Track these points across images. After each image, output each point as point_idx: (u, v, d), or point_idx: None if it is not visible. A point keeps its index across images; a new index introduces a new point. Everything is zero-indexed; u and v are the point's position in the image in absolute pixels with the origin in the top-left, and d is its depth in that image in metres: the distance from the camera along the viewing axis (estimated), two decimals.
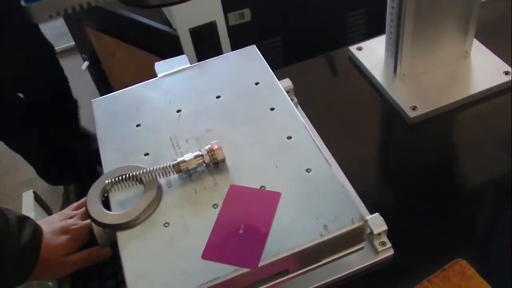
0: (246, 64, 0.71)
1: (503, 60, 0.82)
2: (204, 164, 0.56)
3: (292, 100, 0.77)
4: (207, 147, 0.56)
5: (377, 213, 0.59)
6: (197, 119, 0.63)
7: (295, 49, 1.28)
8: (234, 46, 1.21)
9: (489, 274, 0.57)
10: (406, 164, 0.74)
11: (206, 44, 1.18)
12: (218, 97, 0.66)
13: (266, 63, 0.69)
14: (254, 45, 0.73)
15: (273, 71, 0.68)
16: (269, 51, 1.25)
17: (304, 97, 0.79)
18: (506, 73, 0.81)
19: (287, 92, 0.76)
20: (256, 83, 0.67)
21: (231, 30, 1.20)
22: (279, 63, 1.28)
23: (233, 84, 0.67)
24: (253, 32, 1.22)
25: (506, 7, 0.90)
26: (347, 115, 0.80)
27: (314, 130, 0.74)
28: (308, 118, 0.77)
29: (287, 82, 0.78)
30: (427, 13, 0.74)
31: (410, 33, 0.76)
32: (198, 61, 0.71)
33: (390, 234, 0.59)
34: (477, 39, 0.85)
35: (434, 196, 0.68)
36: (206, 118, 0.63)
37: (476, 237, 0.64)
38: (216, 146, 0.56)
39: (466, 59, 0.84)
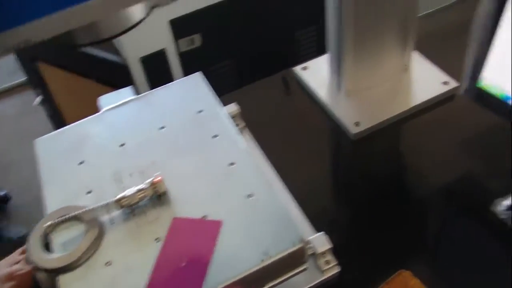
0: (190, 92, 0.71)
1: (442, 71, 0.84)
2: (147, 198, 0.56)
3: (238, 124, 0.78)
4: (148, 181, 0.56)
5: (322, 232, 0.60)
6: (141, 152, 0.63)
7: (248, 71, 1.29)
8: (187, 72, 1.21)
9: (434, 283, 0.58)
10: (351, 180, 0.75)
11: (157, 72, 1.18)
12: (162, 128, 0.67)
13: (210, 90, 0.69)
14: (199, 72, 0.73)
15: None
16: (222, 74, 1.26)
17: (252, 120, 0.80)
18: (445, 83, 0.83)
19: (234, 116, 0.77)
20: (200, 111, 0.68)
21: (182, 56, 1.21)
22: (233, 86, 1.29)
23: (177, 113, 0.68)
24: (205, 57, 1.23)
25: (444, 19, 0.93)
26: (294, 136, 0.81)
27: (262, 153, 0.75)
28: (257, 141, 0.78)
29: (234, 106, 0.79)
30: (366, 30, 0.76)
31: (350, 50, 0.77)
32: (151, 89, 0.72)
33: (337, 251, 0.60)
34: (417, 51, 0.87)
35: (380, 209, 0.69)
36: (150, 150, 0.63)
37: (422, 247, 0.66)
38: (157, 179, 0.56)
39: (407, 72, 0.86)
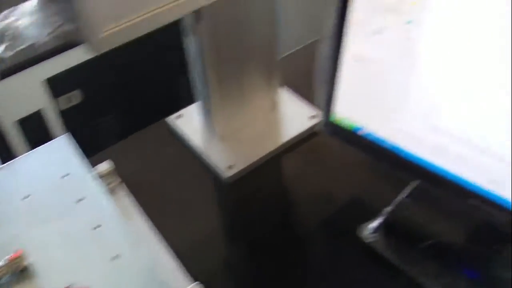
0: (56, 157, 0.70)
1: (311, 105, 0.88)
2: (8, 275, 0.54)
3: (112, 182, 0.77)
4: (7, 257, 0.55)
5: (196, 282, 0.60)
6: (1, 226, 0.61)
7: (130, 124, 1.28)
8: (69, 130, 1.19)
9: None
10: (228, 223, 0.76)
11: (36, 134, 1.15)
12: (26, 197, 0.65)
13: (76, 151, 0.69)
14: (66, 134, 0.72)
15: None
16: (104, 129, 1.25)
17: (130, 174, 0.79)
18: (313, 117, 0.87)
19: (107, 175, 0.76)
20: (65, 175, 0.67)
21: (63, 114, 1.18)
22: (116, 139, 1.27)
23: (41, 180, 0.66)
24: (86, 113, 1.21)
25: (309, 56, 0.97)
26: (171, 187, 0.82)
27: (139, 209, 0.75)
28: (135, 196, 0.77)
29: (106, 165, 0.78)
30: (229, 74, 0.78)
31: (216, 96, 0.79)
32: None
33: None
34: (286, 88, 0.91)
35: (261, 250, 0.71)
36: (12, 223, 0.61)
37: (297, 279, 0.68)
38: (16, 254, 0.54)
39: (276, 110, 0.89)
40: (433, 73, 0.55)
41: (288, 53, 1.02)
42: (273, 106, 0.89)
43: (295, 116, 0.87)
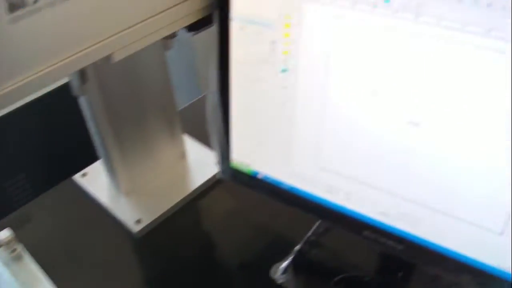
0: None
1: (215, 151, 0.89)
2: None
3: (13, 251, 0.75)
4: None
5: None
6: None
7: (40, 184, 1.25)
8: None
9: None
10: (142, 279, 0.75)
11: None
12: None
13: None
14: None
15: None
16: (14, 191, 1.21)
17: (32, 241, 0.77)
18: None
19: (7, 243, 0.73)
20: None
21: None
22: (29, 199, 1.24)
23: None
24: None
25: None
26: (79, 250, 0.80)
27: (43, 274, 0.73)
28: (41, 262, 0.75)
29: (6, 232, 0.76)
30: (127, 130, 0.78)
31: (117, 153, 0.79)
32: None
33: None
34: (192, 137, 0.92)
35: None
36: None
37: None
38: None
39: (183, 159, 0.90)
40: (311, 118, 0.57)
41: (190, 102, 1.04)
42: (181, 156, 0.89)
43: (202, 164, 0.88)
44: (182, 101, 0.94)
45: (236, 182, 0.71)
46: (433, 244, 0.57)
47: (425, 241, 0.57)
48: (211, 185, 0.86)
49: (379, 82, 0.50)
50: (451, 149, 0.50)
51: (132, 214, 0.80)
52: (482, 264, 0.54)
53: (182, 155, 0.90)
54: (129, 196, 0.83)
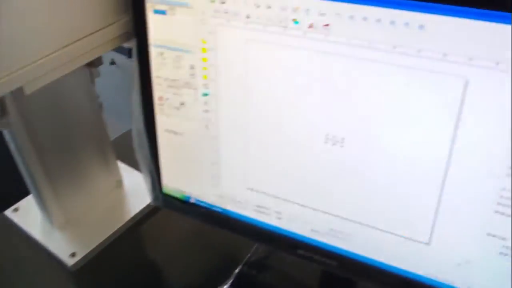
0: None
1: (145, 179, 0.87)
2: None
3: None
4: None
5: None
6: None
7: None
8: None
9: None
10: None
11: None
12: None
13: None
14: None
15: None
16: None
17: None
18: None
19: None
20: None
21: None
22: None
23: None
24: None
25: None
26: (11, 287, 0.77)
27: None
28: None
29: None
30: (57, 162, 0.76)
31: (47, 186, 0.77)
32: None
33: None
34: (130, 164, 0.91)
35: None
36: None
37: None
38: None
39: (119, 188, 0.88)
40: (234, 139, 0.57)
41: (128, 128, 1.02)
42: (116, 185, 0.88)
43: (139, 191, 0.87)
44: (125, 127, 0.92)
45: (169, 208, 0.70)
46: (366, 258, 0.57)
47: (358, 255, 0.58)
48: (149, 211, 0.85)
49: (297, 101, 0.51)
50: (372, 165, 0.50)
51: (66, 248, 0.78)
52: (416, 275, 0.54)
53: (118, 184, 0.88)
54: (63, 229, 0.81)
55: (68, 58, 0.53)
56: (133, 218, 0.83)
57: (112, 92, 1.53)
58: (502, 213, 0.47)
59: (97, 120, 0.78)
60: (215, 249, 0.79)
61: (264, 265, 0.75)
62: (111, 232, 0.80)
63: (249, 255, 0.75)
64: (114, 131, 0.92)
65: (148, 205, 0.84)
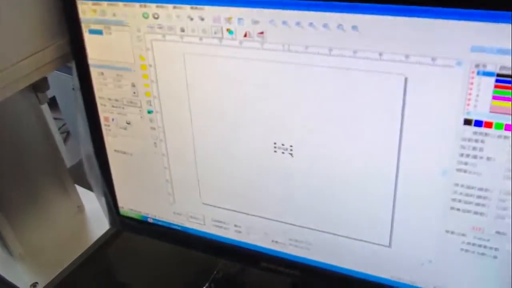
0: None
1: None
2: None
3: None
4: None
5: None
6: None
7: None
8: None
9: None
10: None
11: None
12: None
13: None
14: None
15: None
16: None
17: None
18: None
19: None
20: None
21: None
22: None
23: None
24: None
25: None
26: None
27: None
28: None
29: None
30: (14, 194, 0.74)
31: (3, 215, 0.74)
32: None
33: None
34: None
35: None
36: None
37: None
38: None
39: (81, 213, 0.86)
40: (184, 155, 0.56)
41: None
42: (77, 210, 0.85)
43: (101, 216, 0.84)
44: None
45: (128, 230, 0.69)
46: (330, 265, 0.56)
47: (321, 263, 0.57)
48: (113, 235, 0.83)
49: (241, 111, 0.50)
50: (323, 171, 0.49)
51: (27, 278, 0.76)
52: (381, 278, 0.53)
53: (80, 209, 0.86)
54: (23, 259, 0.79)
55: (5, 82, 0.51)
56: (95, 243, 0.81)
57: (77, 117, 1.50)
58: (458, 209, 0.46)
59: (50, 146, 0.76)
60: (183, 267, 0.77)
61: (231, 280, 0.73)
62: (72, 259, 0.78)
63: (215, 272, 0.73)
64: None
65: (111, 228, 0.82)
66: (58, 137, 1.05)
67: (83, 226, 0.84)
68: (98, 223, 0.83)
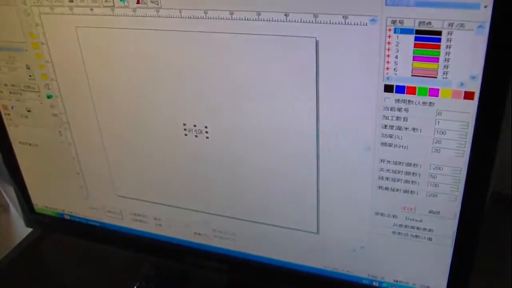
0: None
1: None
2: None
3: None
4: None
5: None
6: None
7: None
8: None
9: None
10: None
11: None
12: None
13: None
14: None
15: None
16: None
17: None
18: None
19: None
20: None
21: None
22: None
23: None
24: None
25: None
26: None
27: None
28: None
29: None
30: None
31: None
32: None
33: None
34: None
35: None
36: None
37: None
38: None
39: (6, 213, 0.78)
40: (91, 144, 0.49)
41: None
42: (3, 211, 0.77)
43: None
44: None
45: (44, 229, 0.60)
46: (258, 256, 0.49)
47: (248, 255, 0.50)
48: (41, 234, 0.74)
49: (144, 89, 0.42)
50: (242, 153, 0.43)
51: None
52: (313, 268, 0.47)
53: (4, 209, 0.77)
54: None
55: None
56: (23, 241, 0.72)
57: None
58: (386, 188, 0.39)
59: None
60: (112, 265, 0.69)
61: (163, 277, 0.66)
62: None
63: (146, 269, 0.65)
64: None
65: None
66: None
67: (9, 226, 0.76)
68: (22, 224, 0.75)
